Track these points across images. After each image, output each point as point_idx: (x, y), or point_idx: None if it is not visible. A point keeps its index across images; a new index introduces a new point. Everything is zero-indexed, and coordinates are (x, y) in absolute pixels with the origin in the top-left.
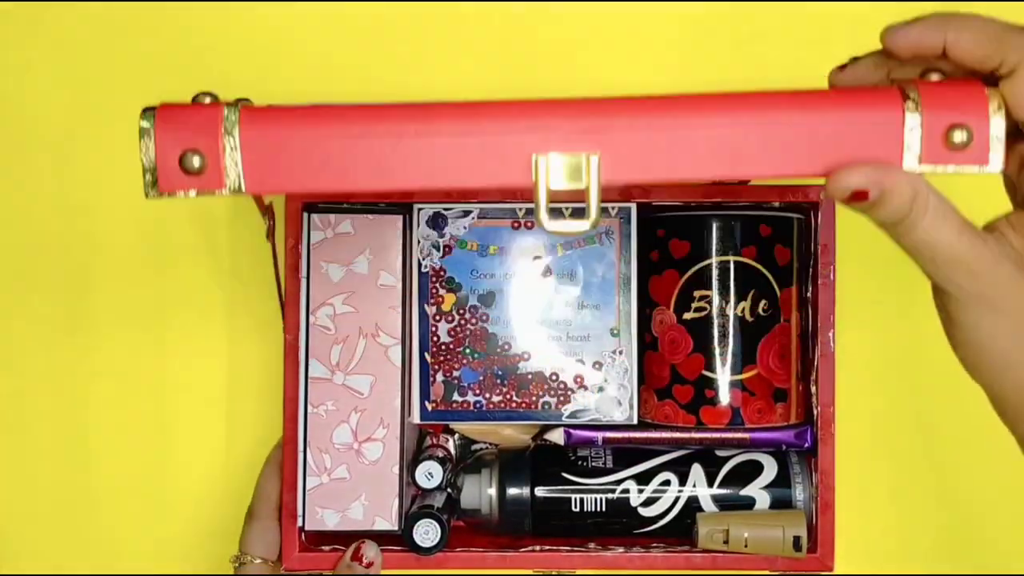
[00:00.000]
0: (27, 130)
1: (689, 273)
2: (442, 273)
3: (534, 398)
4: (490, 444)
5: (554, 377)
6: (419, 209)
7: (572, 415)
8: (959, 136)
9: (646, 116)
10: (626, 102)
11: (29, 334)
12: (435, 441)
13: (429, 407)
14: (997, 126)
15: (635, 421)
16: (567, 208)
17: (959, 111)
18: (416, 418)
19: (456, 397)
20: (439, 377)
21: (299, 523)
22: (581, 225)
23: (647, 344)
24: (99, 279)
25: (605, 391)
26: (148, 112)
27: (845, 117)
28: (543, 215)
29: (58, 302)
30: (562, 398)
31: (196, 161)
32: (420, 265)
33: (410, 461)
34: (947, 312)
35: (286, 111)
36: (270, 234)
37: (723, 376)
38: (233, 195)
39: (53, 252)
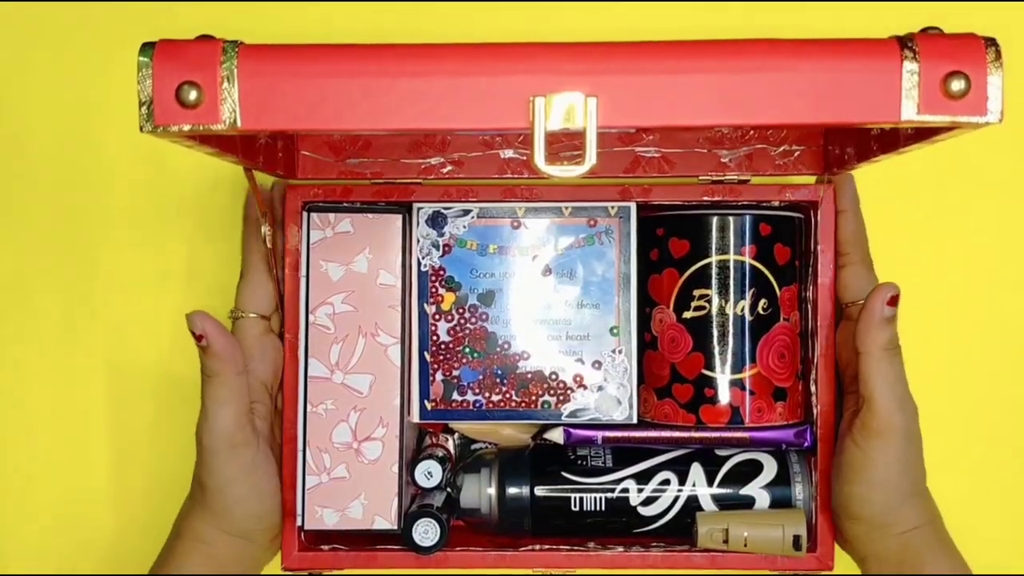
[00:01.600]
0: (26, 133)
1: (689, 272)
2: (442, 272)
3: (533, 397)
4: (490, 444)
5: (553, 376)
6: (419, 208)
7: (572, 414)
8: (957, 85)
9: (645, 61)
10: (626, 47)
11: (28, 330)
12: (435, 441)
13: (428, 406)
14: (995, 76)
15: (635, 420)
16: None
17: (957, 60)
18: (415, 417)
19: (455, 396)
20: (438, 376)
21: (298, 522)
22: (578, 169)
23: (647, 343)
24: (98, 275)
25: (604, 390)
26: (147, 47)
27: (844, 66)
28: (540, 158)
29: (57, 302)
30: (561, 397)
31: (193, 94)
32: (420, 264)
33: (410, 460)
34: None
35: (284, 49)
36: (265, 238)
37: (723, 375)
38: (229, 131)
39: (52, 255)
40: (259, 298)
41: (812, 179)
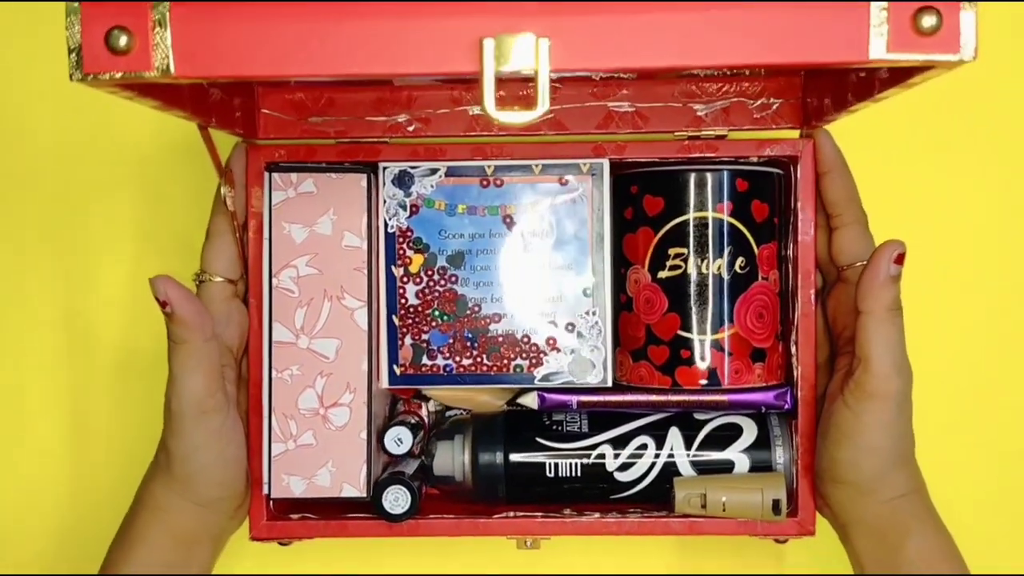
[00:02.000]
0: (25, 132)
1: (663, 230)
2: (409, 233)
3: (505, 361)
4: (464, 410)
5: (525, 339)
6: (384, 167)
7: (544, 378)
8: (928, 21)
9: (600, 0)
10: None
11: (26, 328)
12: (408, 407)
13: (397, 371)
14: (968, 12)
15: (609, 383)
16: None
17: None
18: (384, 382)
19: (425, 361)
20: (407, 340)
21: (265, 490)
22: (530, 115)
23: (622, 305)
24: (58, 240)
25: (578, 353)
26: None
27: (810, 3)
28: (489, 104)
29: (19, 271)
30: (534, 361)
31: (123, 40)
32: (386, 225)
33: (380, 427)
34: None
35: None
36: (226, 199)
37: (699, 336)
38: (161, 78)
39: (45, 247)
40: (224, 261)
41: (792, 134)
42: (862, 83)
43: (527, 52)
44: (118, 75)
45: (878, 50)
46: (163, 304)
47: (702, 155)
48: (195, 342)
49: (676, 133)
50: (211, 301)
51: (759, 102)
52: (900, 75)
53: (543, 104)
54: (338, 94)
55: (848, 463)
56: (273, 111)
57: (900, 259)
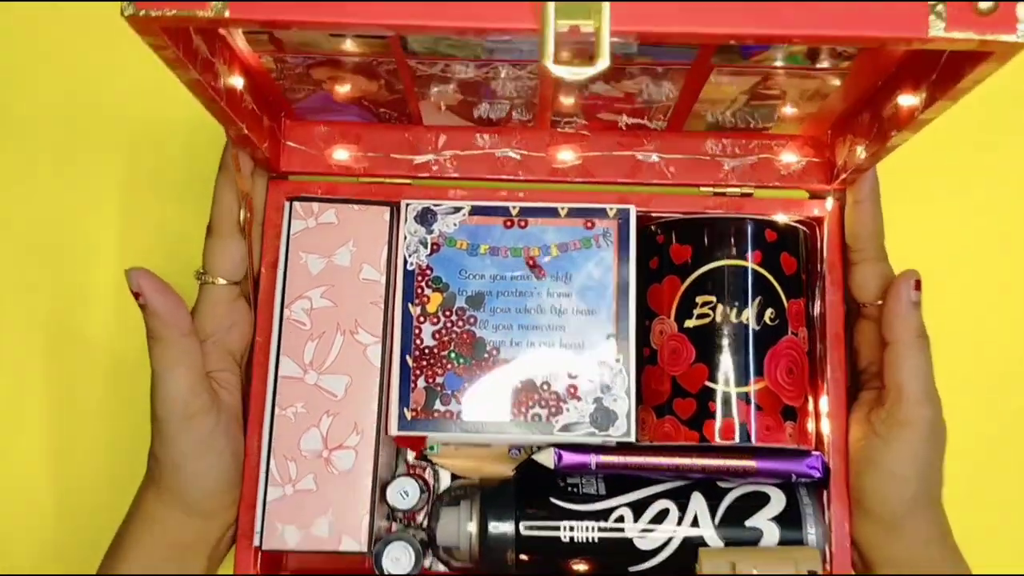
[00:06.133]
0: (26, 134)
1: (691, 278)
2: (429, 272)
3: (523, 409)
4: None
5: (545, 386)
6: (407, 204)
7: (564, 428)
8: (985, 3)
9: None
10: None
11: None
12: (412, 472)
13: (408, 415)
14: None
15: (633, 438)
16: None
17: None
18: (394, 427)
19: (438, 406)
20: (420, 383)
21: (255, 541)
22: (589, 70)
23: (645, 359)
24: (78, 276)
25: (600, 403)
26: None
27: None
28: (548, 59)
29: (47, 306)
30: (553, 409)
31: None
32: (406, 262)
33: (385, 479)
34: None
35: None
36: (246, 227)
37: (728, 388)
38: (215, 18)
39: (45, 262)
40: (229, 261)
41: (818, 192)
42: (889, 121)
43: (589, 9)
44: (171, 13)
45: (937, 28)
46: (136, 296)
47: (727, 212)
48: (172, 338)
49: (702, 188)
50: (215, 304)
51: (786, 159)
52: (946, 80)
53: (604, 59)
54: (365, 130)
55: (875, 492)
56: (298, 144)
57: (918, 285)
